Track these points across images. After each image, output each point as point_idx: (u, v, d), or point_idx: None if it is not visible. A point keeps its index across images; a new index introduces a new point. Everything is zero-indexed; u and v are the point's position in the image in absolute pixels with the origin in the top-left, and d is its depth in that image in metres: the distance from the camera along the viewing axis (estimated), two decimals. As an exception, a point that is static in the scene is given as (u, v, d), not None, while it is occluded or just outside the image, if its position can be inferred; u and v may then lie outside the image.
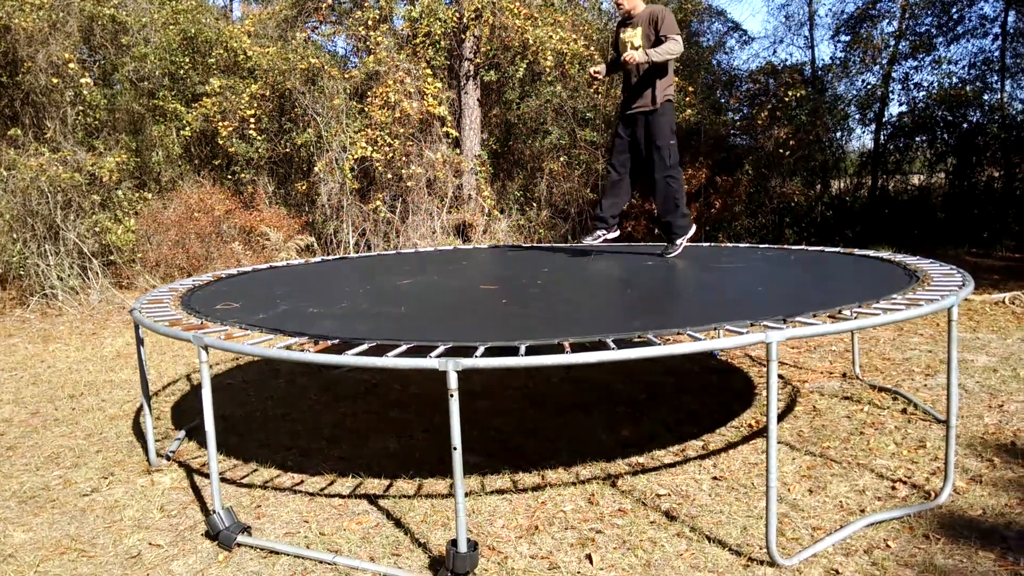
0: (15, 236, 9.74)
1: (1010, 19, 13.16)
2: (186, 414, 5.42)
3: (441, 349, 3.01)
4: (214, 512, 3.41)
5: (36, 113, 10.82)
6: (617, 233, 5.70)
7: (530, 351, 2.96)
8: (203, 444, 4.67)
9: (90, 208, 10.30)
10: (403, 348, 3.08)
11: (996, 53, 13.33)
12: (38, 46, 10.34)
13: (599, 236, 5.57)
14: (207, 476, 4.14)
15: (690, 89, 12.61)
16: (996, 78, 13.30)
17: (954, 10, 13.41)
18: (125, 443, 4.82)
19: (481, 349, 2.98)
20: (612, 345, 2.98)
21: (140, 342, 4.35)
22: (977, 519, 3.37)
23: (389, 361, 2.90)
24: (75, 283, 9.97)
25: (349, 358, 2.98)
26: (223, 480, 4.11)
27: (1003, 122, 12.93)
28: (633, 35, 5.03)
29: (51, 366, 6.99)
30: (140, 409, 5.45)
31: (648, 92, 4.97)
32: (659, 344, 2.97)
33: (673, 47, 4.88)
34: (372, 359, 2.93)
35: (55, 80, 10.47)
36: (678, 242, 5.09)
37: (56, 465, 4.48)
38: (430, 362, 2.82)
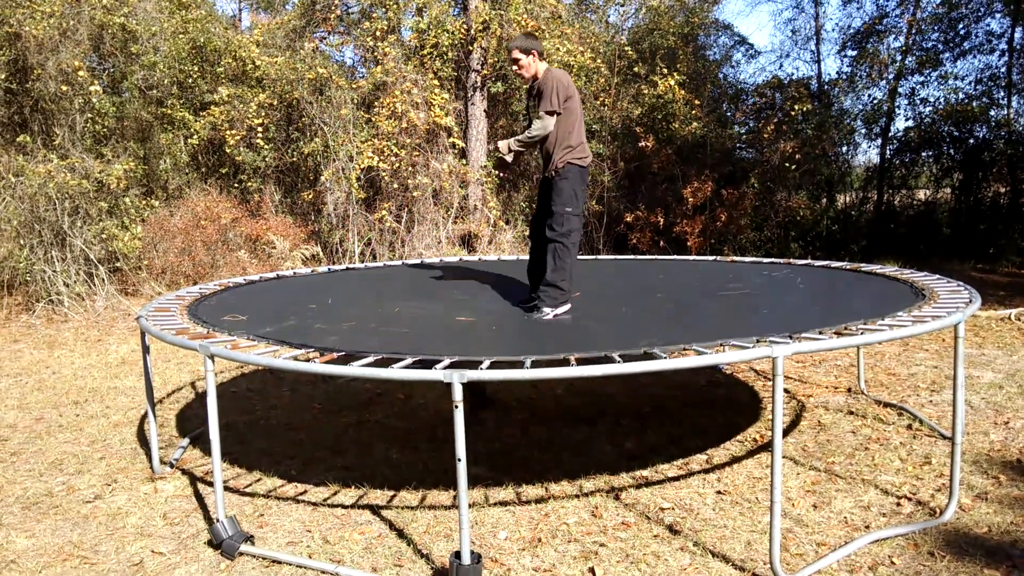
0: (22, 242, 9.77)
1: (1017, 35, 13.17)
2: (190, 422, 5.43)
3: (447, 362, 3.01)
4: (217, 521, 3.41)
5: (45, 120, 10.87)
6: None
7: (535, 365, 2.96)
8: (206, 452, 4.68)
9: (97, 215, 10.33)
10: (408, 361, 3.08)
11: (1003, 69, 13.34)
12: (48, 54, 10.40)
13: (546, 313, 4.68)
14: (210, 484, 4.14)
15: (696, 102, 12.63)
16: (1003, 94, 13.29)
17: (961, 26, 13.42)
18: (129, 450, 4.82)
19: (487, 362, 2.99)
20: (618, 359, 2.98)
21: (146, 349, 4.36)
22: (983, 536, 3.35)
23: (395, 372, 2.90)
24: (81, 289, 10.00)
25: (355, 369, 2.99)
26: (226, 488, 4.10)
27: (1009, 138, 12.91)
28: (532, 104, 4.90)
29: (56, 372, 7.00)
30: (144, 416, 5.45)
31: (551, 158, 4.76)
32: (665, 358, 2.96)
33: (533, 130, 4.69)
34: (378, 370, 2.93)
35: (64, 87, 10.52)
36: (544, 310, 4.56)
37: (59, 471, 4.49)
38: (435, 374, 2.82)
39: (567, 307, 4.64)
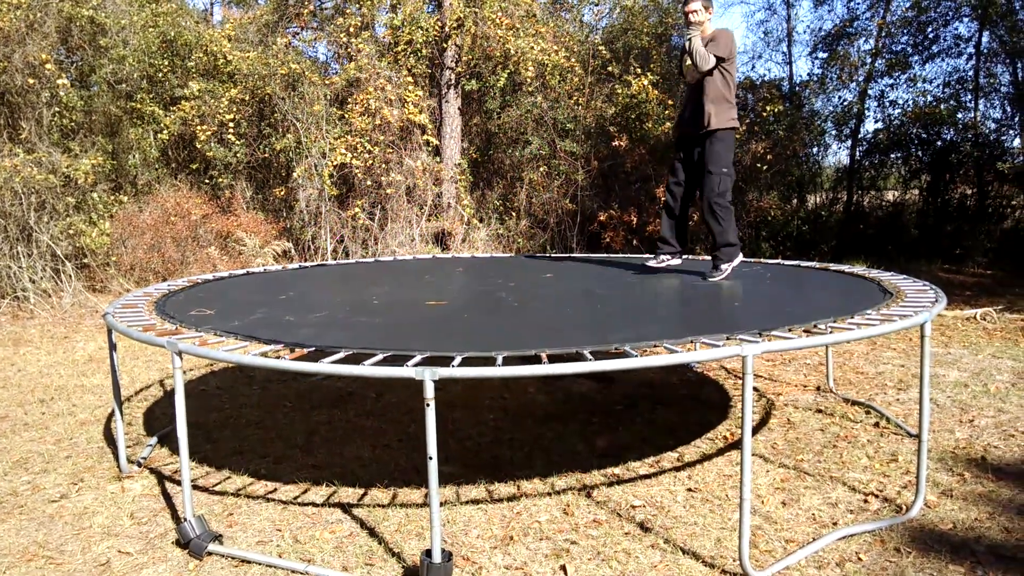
0: (-13, 237, 9.61)
1: (984, 39, 13.39)
2: (158, 420, 5.36)
3: (418, 358, 3.00)
4: (185, 520, 3.37)
5: (11, 113, 10.68)
6: (679, 261, 5.74)
7: (507, 362, 2.96)
8: (175, 451, 4.63)
9: (64, 210, 10.18)
10: (380, 357, 3.07)
11: (970, 72, 13.55)
12: (14, 46, 10.21)
13: (663, 260, 5.66)
14: (179, 483, 4.10)
15: (670, 102, 12.69)
16: (970, 97, 13.51)
17: (930, 30, 13.62)
18: (96, 449, 4.75)
19: (458, 359, 2.98)
20: (589, 356, 2.99)
21: (113, 347, 4.30)
22: (947, 533, 3.40)
23: (366, 370, 2.89)
24: (47, 286, 9.84)
25: (325, 366, 2.97)
26: (195, 487, 4.06)
27: (976, 140, 13.13)
28: (684, 57, 5.24)
29: (21, 370, 6.88)
30: (111, 415, 5.38)
31: (708, 113, 5.04)
32: (636, 356, 2.98)
33: (704, 55, 4.99)
34: (349, 367, 2.91)
35: (31, 81, 10.35)
36: (723, 267, 5.15)
37: (24, 470, 4.41)
38: (407, 371, 2.81)
39: (740, 257, 5.27)
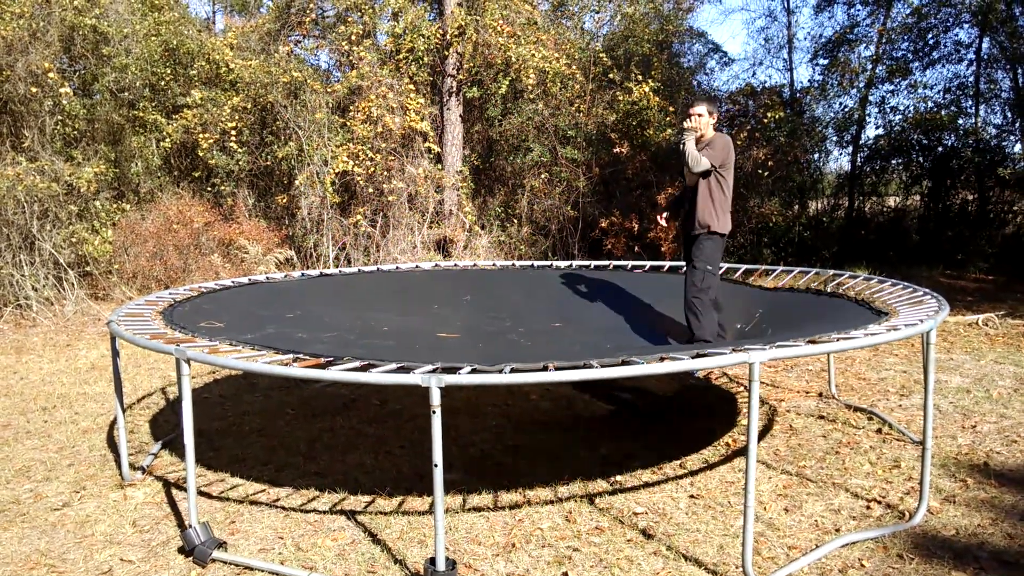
0: (-11, 246, 9.62)
1: (984, 45, 13.42)
2: (160, 428, 5.37)
3: (427, 368, 3.00)
4: (190, 526, 3.37)
5: (14, 122, 10.70)
6: None
7: (514, 371, 2.96)
8: (177, 458, 4.63)
9: (67, 218, 10.20)
10: (389, 366, 3.07)
11: (971, 78, 13.58)
12: (17, 55, 10.24)
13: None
14: (181, 490, 4.10)
15: (671, 109, 12.72)
16: (970, 103, 13.54)
17: (930, 36, 13.64)
18: (98, 457, 4.76)
19: (467, 368, 2.99)
20: (595, 364, 3.00)
21: (116, 354, 4.31)
22: (951, 539, 3.40)
23: (373, 377, 2.89)
24: (50, 294, 9.86)
25: (335, 373, 2.97)
26: (198, 494, 4.06)
27: (977, 146, 13.13)
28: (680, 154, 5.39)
29: (24, 378, 6.89)
30: (114, 422, 5.38)
31: (699, 215, 5.21)
32: (641, 363, 2.98)
33: (696, 159, 5.13)
34: (357, 375, 2.92)
35: (34, 89, 10.37)
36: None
37: (27, 479, 4.42)
38: (413, 378, 2.81)
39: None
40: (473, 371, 2.98)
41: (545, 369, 2.99)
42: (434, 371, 2.95)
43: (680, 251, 12.35)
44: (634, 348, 3.73)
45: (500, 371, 2.96)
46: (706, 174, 5.17)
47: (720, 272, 5.44)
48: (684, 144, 5.19)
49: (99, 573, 3.28)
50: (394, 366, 3.09)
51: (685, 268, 5.51)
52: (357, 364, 3.14)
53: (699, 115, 5.21)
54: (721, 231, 5.21)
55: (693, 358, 3.08)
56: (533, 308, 6.19)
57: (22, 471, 4.54)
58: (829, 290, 5.53)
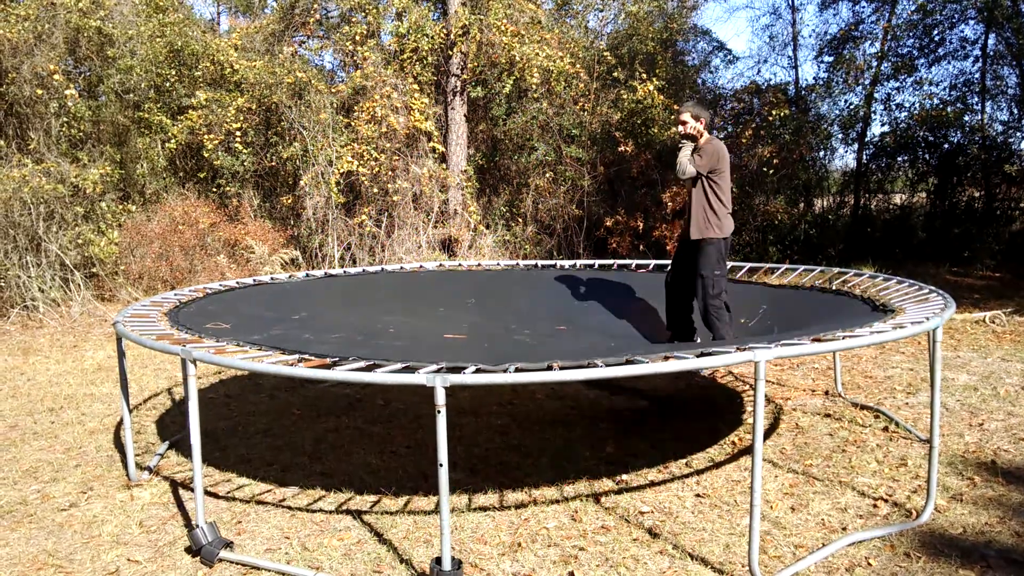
0: (-4, 247, 9.66)
1: (990, 41, 13.35)
2: (167, 429, 5.38)
3: (432, 368, 3.00)
4: (197, 526, 3.38)
5: (20, 124, 10.75)
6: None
7: (519, 371, 2.96)
8: (184, 459, 4.64)
9: (73, 220, 10.23)
10: (393, 366, 3.07)
11: (976, 75, 13.51)
12: (23, 57, 10.28)
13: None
14: (188, 490, 4.11)
15: (675, 108, 12.69)
16: (976, 99, 13.47)
17: (936, 32, 13.58)
18: (105, 457, 4.77)
19: (472, 368, 2.99)
20: (600, 364, 2.99)
21: (122, 355, 4.32)
22: (958, 537, 3.39)
23: (378, 376, 2.89)
24: (56, 295, 9.89)
25: (340, 373, 2.97)
26: (205, 494, 4.06)
27: (983, 143, 13.08)
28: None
29: (31, 379, 6.91)
30: (120, 423, 5.39)
31: (697, 222, 5.20)
32: (646, 363, 2.97)
33: (685, 164, 5.13)
34: (362, 375, 2.92)
35: (40, 91, 10.41)
36: None
37: (34, 479, 4.43)
38: (418, 378, 2.81)
39: None
40: (478, 370, 2.98)
41: (550, 368, 2.99)
42: (439, 371, 2.95)
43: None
44: (639, 350, 3.72)
45: (505, 370, 2.96)
46: (695, 180, 5.17)
47: (727, 271, 5.39)
48: (680, 149, 5.21)
49: (106, 573, 3.29)
50: (399, 366, 3.09)
51: (674, 269, 5.47)
52: (362, 364, 3.15)
53: (684, 123, 5.22)
54: (720, 236, 5.19)
55: (698, 357, 3.08)
56: (538, 311, 6.19)
57: (29, 472, 4.56)
58: (834, 287, 5.52)
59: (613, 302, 6.13)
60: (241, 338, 3.79)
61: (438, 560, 2.95)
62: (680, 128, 5.24)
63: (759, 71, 18.11)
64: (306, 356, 3.32)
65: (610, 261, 7.06)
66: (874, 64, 13.63)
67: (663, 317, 5.69)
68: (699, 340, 5.29)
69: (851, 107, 13.78)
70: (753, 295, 5.91)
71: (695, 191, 5.23)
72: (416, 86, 12.15)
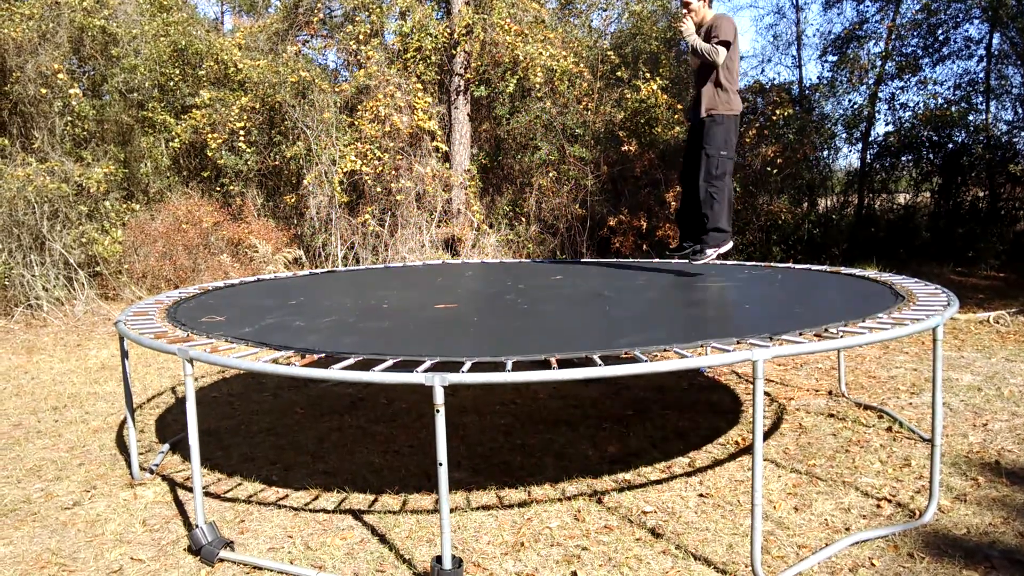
0: (0, 246, 9.68)
1: (995, 41, 13.32)
2: (170, 427, 5.39)
3: (428, 364, 3.00)
4: (196, 527, 3.38)
5: (24, 123, 10.78)
6: (710, 251, 5.44)
7: (517, 367, 2.95)
8: (187, 458, 4.64)
9: (77, 219, 10.25)
10: (390, 363, 3.07)
11: (981, 74, 13.48)
12: (27, 56, 10.31)
13: (709, 255, 5.42)
14: (191, 490, 4.11)
15: (679, 107, 12.68)
16: (981, 99, 13.44)
17: (940, 32, 13.55)
18: (108, 456, 4.78)
19: (468, 364, 2.98)
20: (599, 361, 2.99)
21: (125, 354, 4.33)
22: (961, 538, 3.38)
23: (376, 376, 2.89)
24: (60, 294, 9.91)
25: (336, 372, 2.97)
26: (207, 494, 4.07)
27: (988, 143, 13.05)
28: (692, 48, 5.19)
29: (35, 378, 6.93)
30: (124, 422, 5.41)
31: (705, 99, 5.09)
32: (646, 361, 2.97)
33: (713, 49, 4.96)
34: (359, 373, 2.92)
35: (44, 90, 10.44)
36: (707, 251, 5.15)
37: (38, 478, 4.44)
38: (416, 377, 2.81)
39: (728, 246, 5.26)
40: (475, 367, 2.97)
41: (548, 365, 2.98)
42: (436, 367, 2.94)
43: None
44: (635, 316, 3.68)
45: (503, 367, 2.95)
46: (702, 57, 5.06)
47: (735, 155, 5.27)
48: (692, 44, 5.03)
49: (109, 572, 3.29)
50: (393, 361, 3.08)
51: (683, 157, 5.39)
52: (358, 360, 3.14)
53: (689, 5, 5.11)
54: (729, 112, 5.06)
55: (697, 355, 3.07)
56: (535, 274, 6.28)
57: (33, 470, 4.57)
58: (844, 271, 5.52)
59: (609, 271, 6.17)
60: (233, 332, 3.78)
61: (439, 559, 2.95)
62: (685, 11, 5.13)
63: (763, 70, 18.16)
64: (298, 350, 3.31)
65: (613, 260, 7.07)
66: (878, 63, 13.60)
67: (665, 305, 5.63)
68: (708, 240, 5.17)
69: (855, 106, 13.75)
70: (765, 273, 5.93)
71: (701, 68, 5.11)
72: (419, 85, 12.15)
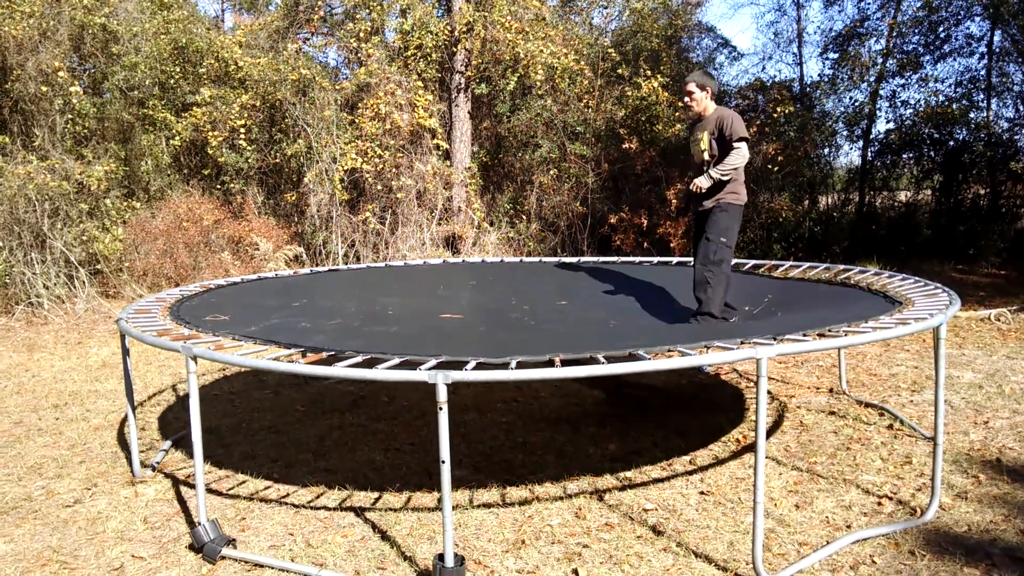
0: (1, 244, 9.68)
1: (996, 38, 13.30)
2: (171, 425, 5.39)
3: (432, 363, 3.00)
4: (199, 524, 3.38)
5: (25, 121, 10.77)
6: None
7: (520, 366, 2.96)
8: (188, 455, 4.64)
9: (77, 217, 10.25)
10: (395, 361, 3.07)
11: (982, 72, 13.46)
12: (28, 54, 10.30)
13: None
14: (192, 487, 4.11)
15: (680, 104, 12.66)
16: (982, 96, 13.42)
17: (941, 29, 13.53)
18: (109, 454, 4.78)
19: (472, 363, 2.98)
20: (602, 360, 2.99)
21: (126, 352, 4.32)
22: (963, 536, 3.38)
23: (379, 373, 2.89)
24: (61, 292, 9.91)
25: (339, 370, 2.97)
26: (208, 491, 4.07)
27: (989, 140, 13.03)
28: (701, 137, 5.10)
29: (35, 375, 6.93)
30: (125, 420, 5.41)
31: (710, 194, 5.07)
32: (649, 359, 2.97)
33: (735, 159, 4.93)
34: (362, 371, 2.92)
35: (44, 88, 10.43)
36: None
37: (39, 476, 4.44)
38: (420, 374, 2.81)
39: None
40: (479, 365, 2.97)
41: (551, 364, 2.98)
42: (439, 366, 2.94)
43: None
44: (639, 327, 3.69)
45: (506, 366, 2.95)
46: (703, 150, 5.05)
47: (734, 247, 5.20)
48: (717, 179, 4.96)
49: (110, 569, 3.29)
50: (398, 360, 3.08)
51: (694, 246, 5.33)
52: (361, 359, 3.14)
53: (690, 94, 5.06)
54: (736, 202, 5.04)
55: (700, 353, 3.07)
56: (538, 288, 6.21)
57: (34, 468, 4.57)
58: (839, 280, 5.50)
59: (613, 282, 6.13)
60: (238, 331, 3.78)
61: (441, 556, 2.95)
62: (687, 99, 5.12)
63: (764, 68, 18.13)
64: (303, 349, 3.31)
65: (614, 258, 7.07)
66: (879, 61, 13.58)
67: (664, 297, 5.63)
68: (699, 320, 5.14)
69: (856, 104, 13.73)
70: (758, 286, 5.89)
71: (705, 159, 5.08)
72: (420, 83, 12.14)
